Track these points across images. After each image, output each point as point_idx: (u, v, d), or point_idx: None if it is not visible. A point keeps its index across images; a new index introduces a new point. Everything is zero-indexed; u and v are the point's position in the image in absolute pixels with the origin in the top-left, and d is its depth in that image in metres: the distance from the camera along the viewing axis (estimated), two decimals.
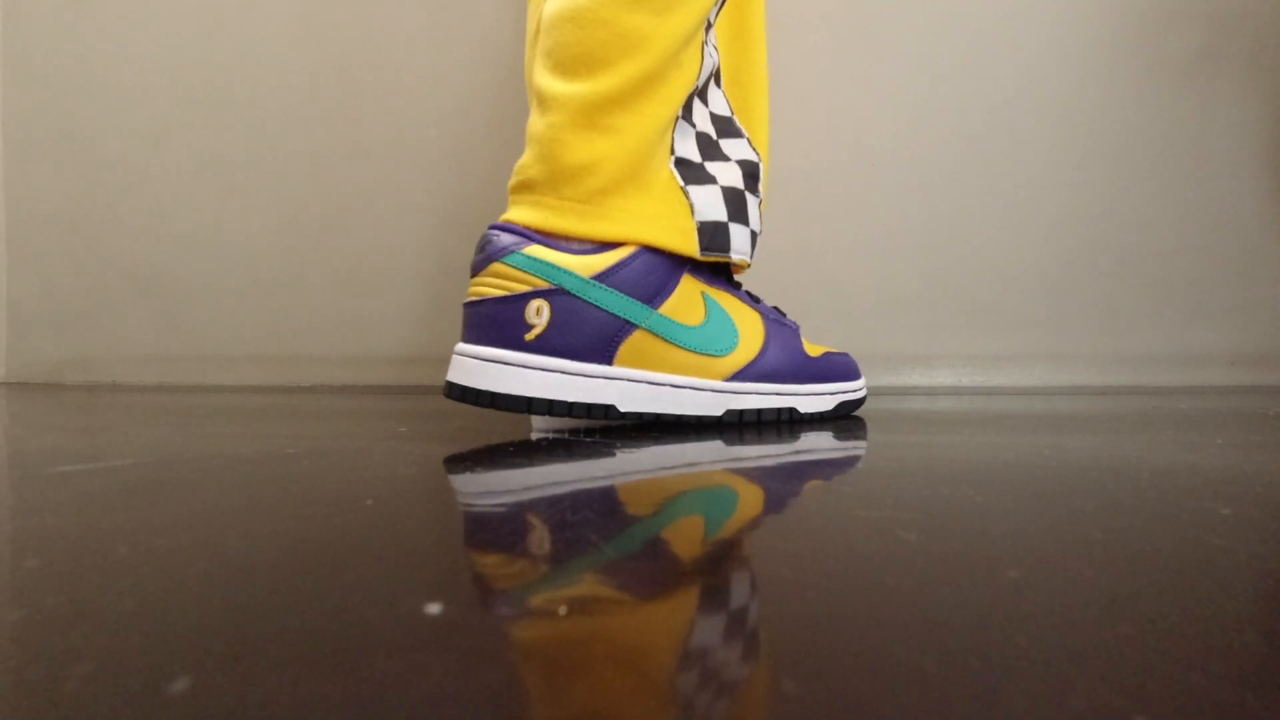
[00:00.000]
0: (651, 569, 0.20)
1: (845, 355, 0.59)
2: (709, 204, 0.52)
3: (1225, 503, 0.27)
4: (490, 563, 0.21)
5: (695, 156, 0.53)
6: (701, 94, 0.55)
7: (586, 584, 0.19)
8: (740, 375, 0.51)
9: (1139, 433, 0.48)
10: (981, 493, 0.30)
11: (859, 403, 0.59)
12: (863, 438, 0.47)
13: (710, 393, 0.50)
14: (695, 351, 0.50)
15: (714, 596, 0.18)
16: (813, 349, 0.57)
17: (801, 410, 0.54)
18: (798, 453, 0.41)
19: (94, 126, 1.03)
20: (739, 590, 0.18)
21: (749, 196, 0.54)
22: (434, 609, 0.17)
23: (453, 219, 0.99)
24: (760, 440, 0.45)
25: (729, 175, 0.54)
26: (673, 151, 0.53)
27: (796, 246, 0.93)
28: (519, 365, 0.45)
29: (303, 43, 0.99)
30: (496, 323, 0.45)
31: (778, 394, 0.53)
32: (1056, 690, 0.13)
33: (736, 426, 0.51)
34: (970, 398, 0.77)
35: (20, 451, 0.43)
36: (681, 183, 0.51)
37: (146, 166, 1.03)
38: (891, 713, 0.12)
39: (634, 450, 0.41)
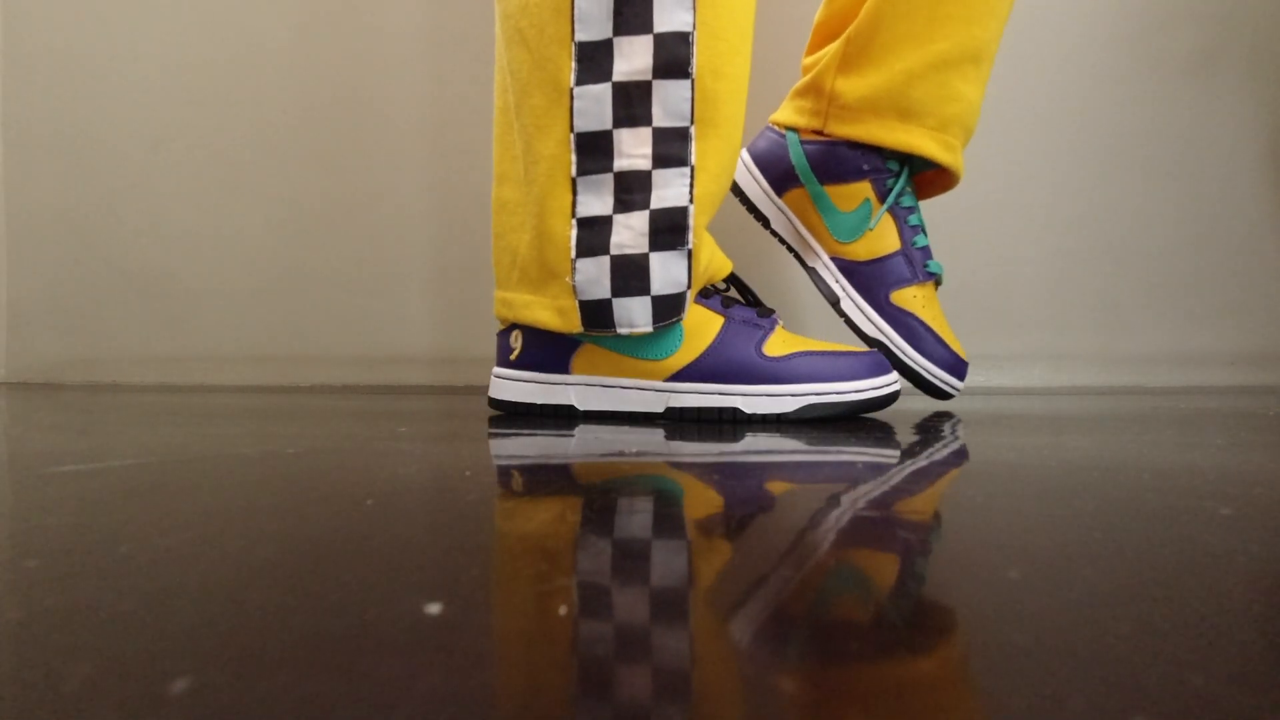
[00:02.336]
0: (649, 566, 0.20)
1: (829, 355, 0.55)
2: (593, 280, 0.52)
3: (1225, 503, 0.27)
4: (490, 562, 0.21)
5: (605, 209, 0.52)
6: (634, 115, 0.50)
7: (586, 583, 0.19)
8: (679, 376, 0.55)
9: (1139, 433, 0.48)
10: (981, 493, 0.30)
11: (850, 405, 0.54)
12: (863, 438, 0.47)
13: (653, 392, 0.56)
14: (636, 357, 0.55)
15: (711, 596, 0.18)
16: (785, 348, 0.55)
17: (746, 410, 0.54)
18: (795, 452, 0.41)
19: (94, 126, 1.03)
20: (739, 589, 0.18)
21: (655, 257, 0.52)
22: (434, 609, 0.17)
23: (453, 219, 0.99)
24: (762, 440, 0.45)
25: (630, 234, 0.52)
26: (574, 212, 0.52)
27: None
28: (506, 379, 0.60)
29: (304, 42, 0.99)
30: (498, 349, 0.62)
31: (720, 394, 0.55)
32: (1056, 690, 0.13)
33: (737, 428, 0.52)
34: (971, 397, 0.77)
35: (20, 451, 0.43)
36: (574, 253, 0.53)
37: (146, 166, 1.03)
38: (892, 712, 0.12)
39: (648, 456, 0.41)
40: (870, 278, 0.65)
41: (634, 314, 0.53)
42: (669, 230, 0.52)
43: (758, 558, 0.21)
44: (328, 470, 0.35)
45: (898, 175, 0.65)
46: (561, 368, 0.57)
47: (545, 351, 0.58)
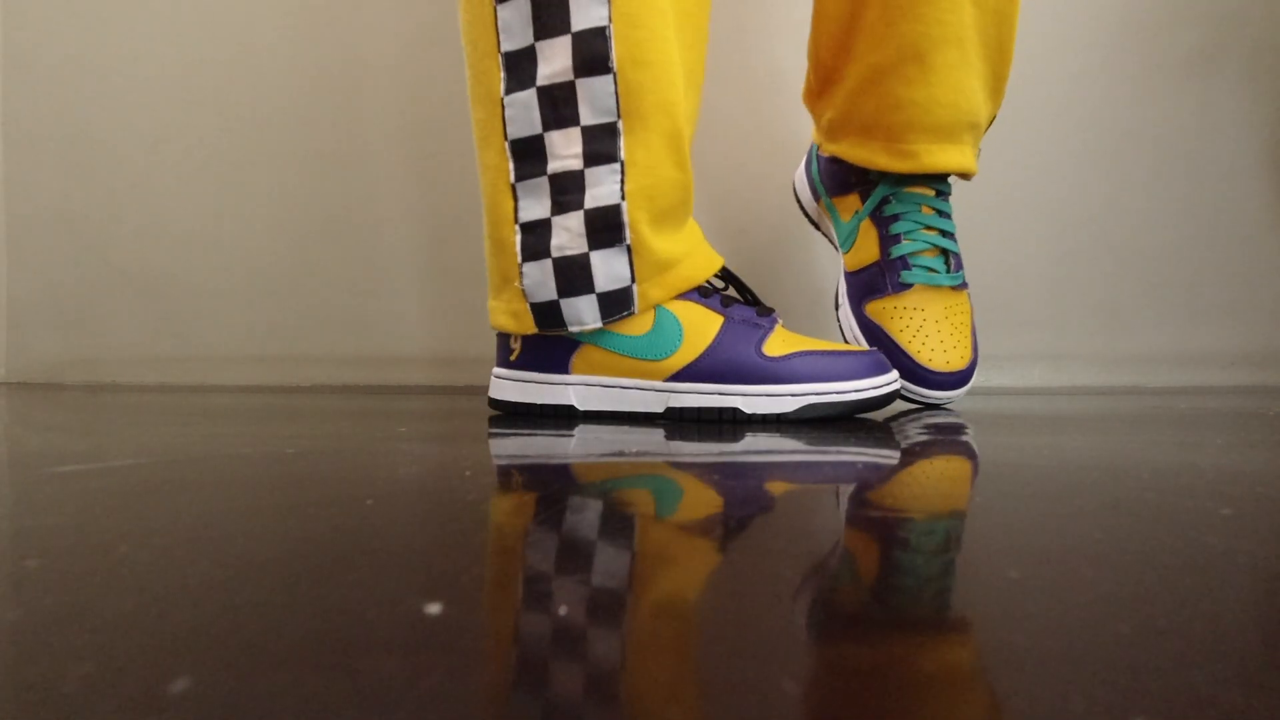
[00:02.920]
0: (648, 566, 0.20)
1: (829, 355, 0.55)
2: (539, 283, 0.54)
3: (1225, 503, 0.27)
4: (490, 562, 0.21)
5: (544, 212, 0.53)
6: (562, 117, 0.51)
7: (586, 582, 0.19)
8: (679, 376, 0.55)
9: (1139, 433, 0.48)
10: (982, 493, 0.30)
11: (850, 405, 0.54)
12: (862, 438, 0.47)
13: (653, 392, 0.56)
14: (636, 357, 0.56)
15: (709, 596, 0.18)
16: (785, 347, 0.54)
17: (746, 411, 0.54)
18: (795, 452, 0.41)
19: (94, 126, 1.03)
20: (736, 588, 0.18)
21: (596, 256, 0.53)
22: (434, 609, 0.17)
23: (452, 219, 0.99)
24: (762, 440, 0.45)
25: (568, 236, 0.53)
26: (517, 217, 0.54)
27: (798, 247, 0.93)
28: (506, 379, 0.60)
29: (303, 42, 0.99)
30: (498, 349, 0.61)
31: (720, 394, 0.55)
32: (1056, 690, 0.13)
33: (737, 428, 0.52)
34: (971, 398, 0.77)
35: (20, 451, 0.43)
36: (520, 258, 0.54)
37: (146, 166, 1.03)
38: (891, 713, 0.12)
39: (648, 456, 0.41)
40: (855, 287, 0.67)
41: (582, 312, 0.54)
42: (605, 229, 0.53)
43: (756, 558, 0.21)
44: (328, 470, 0.35)
45: (876, 185, 0.66)
46: (561, 368, 0.58)
47: (545, 352, 0.58)
